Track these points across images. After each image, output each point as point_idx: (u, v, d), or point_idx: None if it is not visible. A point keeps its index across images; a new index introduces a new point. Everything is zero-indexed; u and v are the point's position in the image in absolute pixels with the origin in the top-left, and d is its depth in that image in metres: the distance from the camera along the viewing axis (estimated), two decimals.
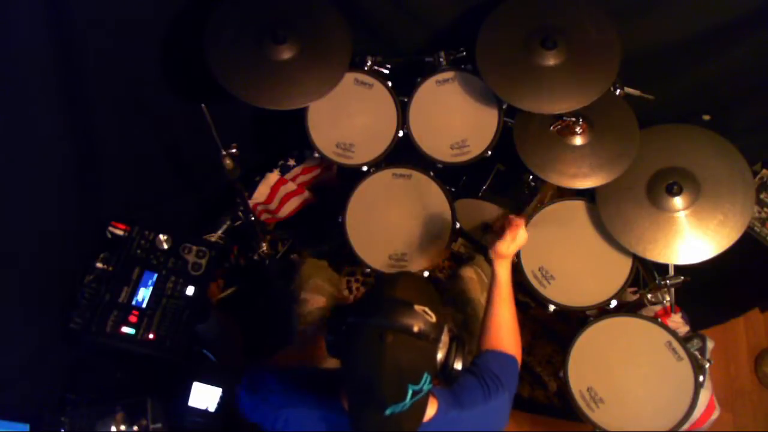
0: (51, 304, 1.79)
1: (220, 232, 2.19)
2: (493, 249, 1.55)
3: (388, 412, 1.11)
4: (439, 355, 1.16)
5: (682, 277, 1.74)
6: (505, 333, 1.47)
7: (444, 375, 1.19)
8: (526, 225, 1.59)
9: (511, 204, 2.11)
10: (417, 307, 1.13)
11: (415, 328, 1.11)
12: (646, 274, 1.90)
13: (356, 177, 2.00)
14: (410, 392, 1.10)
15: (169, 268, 1.91)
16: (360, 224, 1.97)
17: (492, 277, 1.55)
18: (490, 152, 1.95)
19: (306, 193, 2.40)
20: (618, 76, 1.73)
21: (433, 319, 1.14)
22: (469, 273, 1.96)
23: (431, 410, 1.26)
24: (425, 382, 1.12)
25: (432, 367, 1.15)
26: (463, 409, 1.29)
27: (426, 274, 1.93)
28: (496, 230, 1.60)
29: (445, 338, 1.17)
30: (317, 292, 1.89)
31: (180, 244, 1.95)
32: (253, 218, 2.11)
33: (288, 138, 2.21)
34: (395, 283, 1.20)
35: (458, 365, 1.18)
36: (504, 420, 1.35)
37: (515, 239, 1.55)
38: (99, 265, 1.87)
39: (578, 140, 1.84)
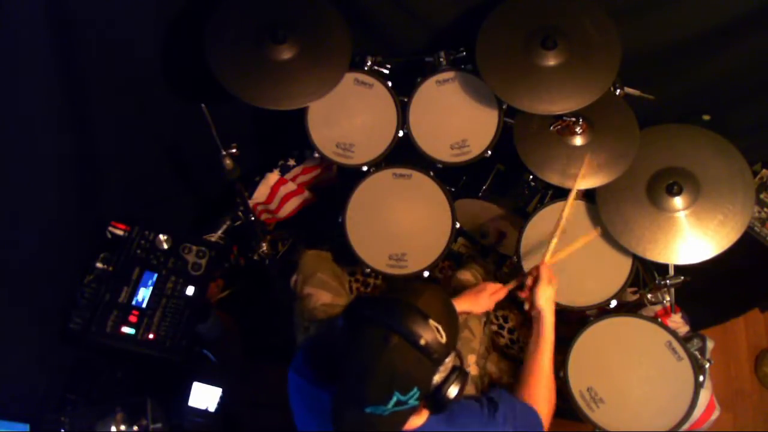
0: (51, 304, 1.79)
1: (220, 232, 2.18)
2: (534, 306, 1.60)
3: (367, 410, 1.11)
4: (436, 378, 1.16)
5: (682, 277, 1.74)
6: (542, 390, 1.49)
7: (434, 399, 1.18)
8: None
9: (511, 204, 2.11)
10: (431, 322, 1.13)
11: (422, 341, 1.11)
12: (646, 274, 1.90)
13: (356, 177, 2.00)
14: (394, 399, 1.10)
15: (169, 268, 1.91)
16: (360, 224, 1.97)
17: (537, 330, 1.59)
18: (490, 152, 1.95)
19: (306, 193, 2.40)
20: (618, 76, 1.73)
21: (443, 339, 1.13)
22: (466, 276, 1.96)
23: (419, 420, 1.25)
24: (412, 397, 1.12)
25: (424, 385, 1.14)
26: (452, 424, 1.28)
27: (426, 274, 1.93)
28: (528, 287, 1.65)
29: (448, 363, 1.17)
30: (322, 287, 1.87)
31: (180, 244, 1.95)
32: (253, 218, 2.11)
33: (288, 138, 2.21)
34: (421, 292, 1.19)
35: (452, 394, 1.17)
36: None
37: (551, 282, 1.62)
38: (99, 265, 1.87)
39: (578, 140, 1.84)
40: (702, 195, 1.75)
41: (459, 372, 1.18)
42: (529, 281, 1.65)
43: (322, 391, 1.32)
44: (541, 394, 1.47)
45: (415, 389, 1.11)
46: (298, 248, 2.44)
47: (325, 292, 1.86)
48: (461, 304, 1.70)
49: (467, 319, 1.79)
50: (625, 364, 1.75)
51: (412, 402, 1.12)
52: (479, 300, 1.71)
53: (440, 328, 1.14)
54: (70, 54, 1.59)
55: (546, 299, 1.60)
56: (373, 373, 1.10)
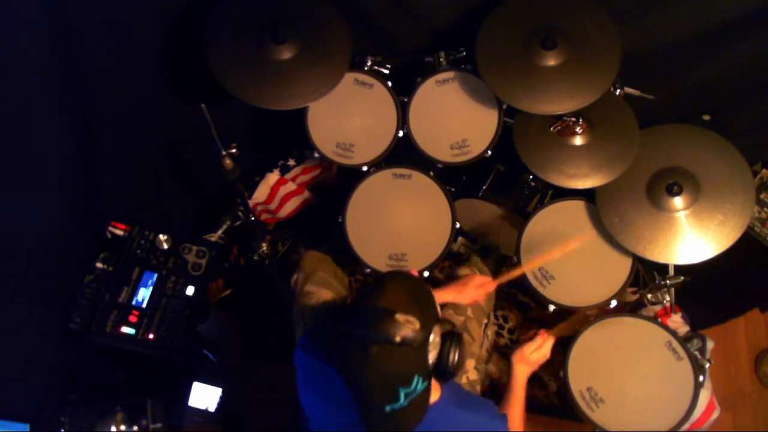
0: (51, 304, 1.80)
1: (220, 232, 2.19)
2: (519, 350, 1.64)
3: (387, 409, 1.15)
4: (431, 357, 1.18)
5: (682, 277, 1.74)
6: None
7: (440, 372, 1.22)
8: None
9: (511, 204, 2.11)
10: (399, 317, 1.14)
11: (398, 339, 1.13)
12: (646, 274, 1.90)
13: (356, 177, 2.00)
14: (402, 394, 1.14)
15: (169, 268, 1.91)
16: (360, 224, 1.97)
17: (509, 379, 1.63)
18: (490, 152, 1.95)
19: (306, 193, 2.40)
20: (618, 76, 1.73)
21: (417, 325, 1.15)
22: (465, 272, 1.95)
23: (435, 394, 1.28)
24: (417, 384, 1.15)
25: (421, 369, 1.17)
26: (462, 408, 1.31)
27: (426, 274, 1.93)
28: (527, 337, 1.70)
29: (436, 339, 1.19)
30: (323, 285, 1.86)
31: (180, 244, 1.95)
32: (253, 218, 2.11)
33: (288, 138, 2.22)
34: (381, 290, 1.21)
35: (454, 361, 1.21)
36: None
37: (542, 348, 1.65)
38: (99, 265, 1.87)
39: (578, 140, 1.84)
40: (702, 195, 1.75)
41: (450, 338, 1.21)
42: (529, 333, 1.72)
43: (328, 366, 1.34)
44: None
45: (416, 377, 1.15)
46: (299, 248, 2.45)
47: (326, 290, 1.86)
48: (445, 295, 1.73)
49: (466, 322, 1.80)
50: (625, 364, 1.75)
51: (420, 387, 1.16)
52: (464, 291, 1.72)
53: (410, 317, 1.15)
54: (70, 54, 1.59)
55: (520, 370, 1.63)
56: (371, 384, 1.15)
